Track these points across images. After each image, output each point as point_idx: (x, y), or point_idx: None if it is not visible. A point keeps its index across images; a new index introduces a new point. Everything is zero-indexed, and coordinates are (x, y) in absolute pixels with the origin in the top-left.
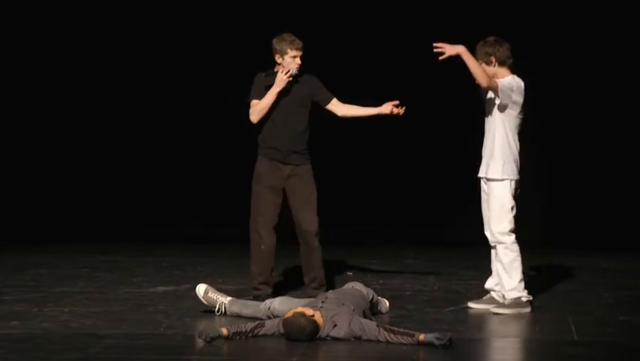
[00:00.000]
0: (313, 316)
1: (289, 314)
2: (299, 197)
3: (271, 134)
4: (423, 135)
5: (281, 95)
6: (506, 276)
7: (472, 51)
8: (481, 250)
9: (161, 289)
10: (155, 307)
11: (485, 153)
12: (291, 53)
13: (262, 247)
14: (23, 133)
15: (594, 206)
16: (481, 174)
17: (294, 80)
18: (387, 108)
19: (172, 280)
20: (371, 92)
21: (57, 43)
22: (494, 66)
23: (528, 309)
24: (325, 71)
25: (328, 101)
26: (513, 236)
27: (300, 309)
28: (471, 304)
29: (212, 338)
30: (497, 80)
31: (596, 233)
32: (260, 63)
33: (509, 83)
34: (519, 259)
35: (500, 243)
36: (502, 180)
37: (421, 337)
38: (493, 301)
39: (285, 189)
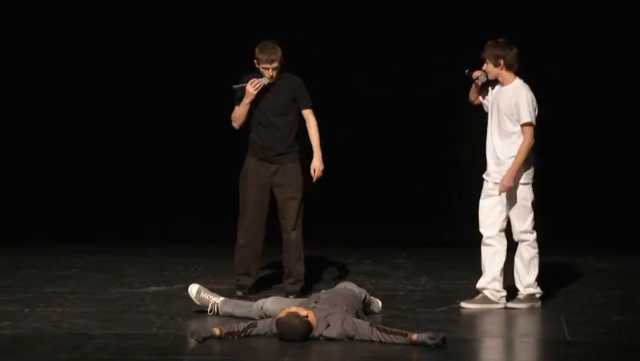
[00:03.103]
0: (307, 316)
1: (282, 314)
2: (283, 193)
3: (258, 135)
4: (415, 136)
5: (263, 100)
6: (525, 272)
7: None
8: (471, 250)
9: (152, 289)
10: (146, 308)
11: (501, 160)
12: (263, 65)
13: (241, 241)
14: (13, 134)
15: (587, 206)
16: (498, 179)
17: (268, 87)
18: (312, 168)
19: (164, 280)
20: (371, 92)
21: (57, 44)
22: (501, 69)
23: (539, 303)
24: (326, 70)
25: (302, 109)
26: (535, 234)
27: (293, 309)
28: (463, 305)
29: (205, 338)
30: (525, 121)
31: (589, 233)
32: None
33: (533, 106)
34: (538, 256)
35: (523, 241)
36: (527, 183)
37: (414, 337)
38: (486, 300)
39: (272, 185)
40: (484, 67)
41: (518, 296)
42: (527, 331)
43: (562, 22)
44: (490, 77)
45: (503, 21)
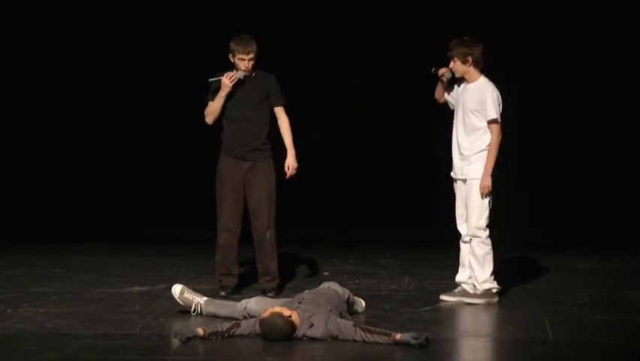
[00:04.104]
0: (290, 316)
1: (266, 314)
2: (256, 192)
3: (231, 132)
4: (399, 136)
5: (237, 95)
6: (479, 268)
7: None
8: (454, 250)
9: (136, 289)
10: (130, 308)
11: (465, 155)
12: (239, 56)
13: (220, 241)
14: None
15: (570, 206)
16: (460, 175)
17: (243, 81)
18: (286, 166)
19: (147, 281)
20: (371, 92)
21: (56, 44)
22: (469, 66)
23: (496, 299)
24: (326, 70)
25: (274, 106)
26: (487, 231)
27: (277, 309)
28: (443, 297)
29: (188, 339)
30: (492, 118)
31: (572, 233)
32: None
33: (498, 102)
34: (491, 253)
35: (476, 237)
36: None
37: (398, 336)
38: (465, 293)
39: (245, 184)
40: (451, 65)
41: (475, 292)
42: (510, 330)
43: (556, 20)
44: (457, 75)
45: (502, 21)
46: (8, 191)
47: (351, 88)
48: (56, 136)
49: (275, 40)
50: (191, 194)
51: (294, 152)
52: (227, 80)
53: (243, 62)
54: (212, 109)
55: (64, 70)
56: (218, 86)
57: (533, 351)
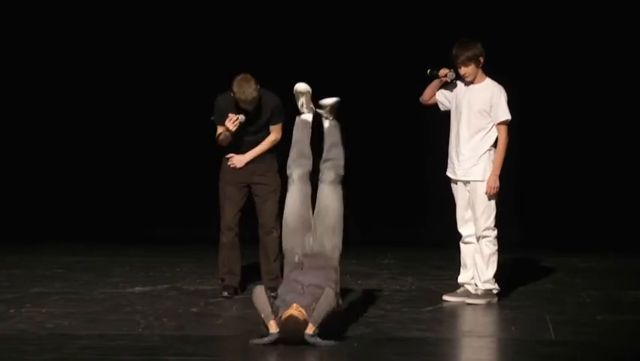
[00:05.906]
0: (306, 321)
1: (288, 315)
2: (262, 191)
3: (239, 138)
4: (399, 135)
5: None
6: (484, 267)
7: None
8: (457, 250)
9: (138, 289)
10: (132, 308)
11: (468, 156)
12: (242, 104)
13: (224, 239)
14: None
15: (570, 206)
16: (462, 176)
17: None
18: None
19: (149, 281)
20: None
21: (58, 45)
22: (480, 67)
23: (496, 299)
24: (325, 70)
25: (272, 124)
26: (496, 231)
27: (295, 313)
28: (446, 297)
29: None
30: (505, 119)
31: (573, 233)
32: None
33: (507, 101)
34: (497, 253)
35: (485, 237)
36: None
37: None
38: (467, 293)
39: (250, 184)
40: (463, 69)
41: (476, 292)
42: (512, 331)
43: (543, 19)
44: (469, 78)
45: (500, 21)
46: (8, 191)
47: (351, 88)
48: (56, 136)
49: (275, 40)
50: (192, 193)
51: (252, 156)
52: (230, 125)
53: (247, 107)
54: (222, 143)
55: (64, 69)
56: (224, 113)
57: (535, 351)
